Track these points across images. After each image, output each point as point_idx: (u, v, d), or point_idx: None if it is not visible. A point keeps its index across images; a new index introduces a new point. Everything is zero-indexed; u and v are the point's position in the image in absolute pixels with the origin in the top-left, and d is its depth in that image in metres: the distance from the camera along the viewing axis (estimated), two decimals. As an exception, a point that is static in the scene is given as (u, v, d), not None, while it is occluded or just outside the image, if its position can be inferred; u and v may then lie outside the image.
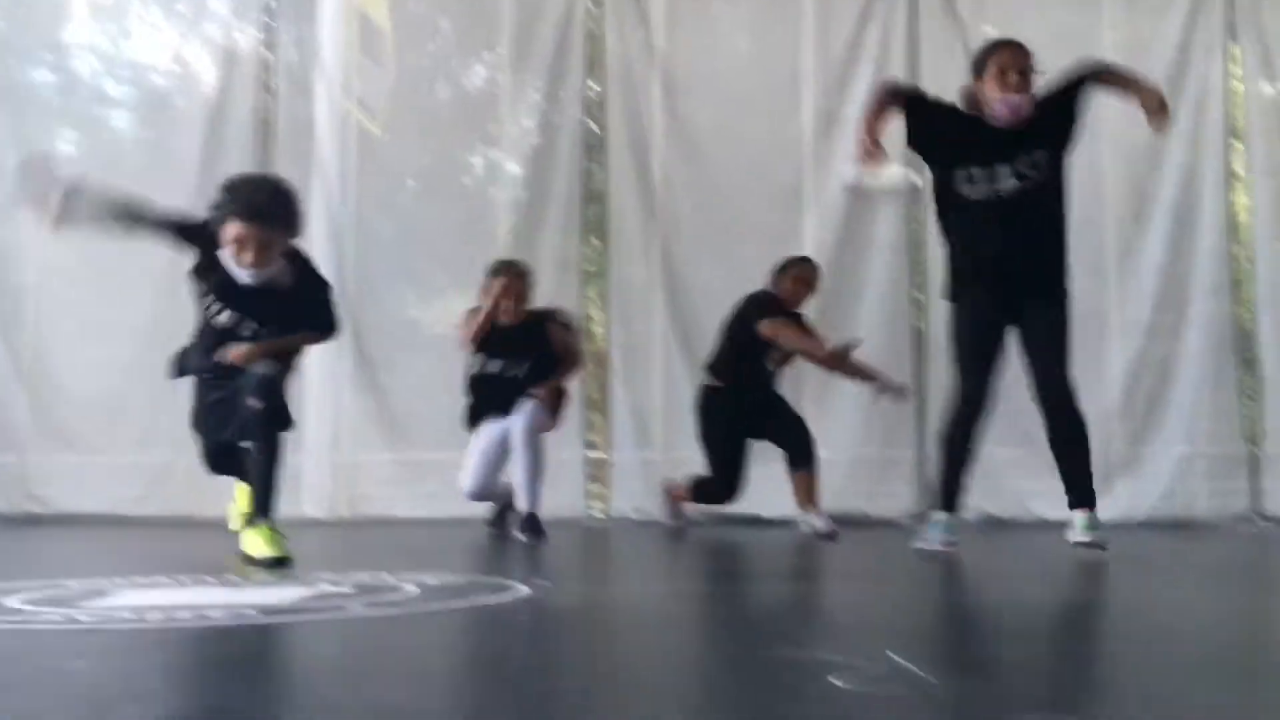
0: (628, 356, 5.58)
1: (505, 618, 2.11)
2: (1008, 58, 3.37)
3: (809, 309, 4.88)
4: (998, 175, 3.36)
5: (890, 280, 5.62)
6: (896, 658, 1.61)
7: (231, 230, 3.13)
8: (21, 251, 5.49)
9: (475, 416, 4.52)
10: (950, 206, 3.47)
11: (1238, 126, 5.71)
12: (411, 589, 2.43)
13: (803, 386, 5.40)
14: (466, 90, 5.98)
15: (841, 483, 5.48)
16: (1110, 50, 5.66)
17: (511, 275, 4.50)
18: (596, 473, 5.59)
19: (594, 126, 5.73)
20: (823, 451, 5.48)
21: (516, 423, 4.35)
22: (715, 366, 4.76)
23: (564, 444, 5.38)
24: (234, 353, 3.27)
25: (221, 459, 3.48)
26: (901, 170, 4.99)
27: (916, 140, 3.50)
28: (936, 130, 3.47)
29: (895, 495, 5.54)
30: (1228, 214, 5.69)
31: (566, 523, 5.24)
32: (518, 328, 4.47)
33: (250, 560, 3.11)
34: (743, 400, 4.68)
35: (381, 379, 5.52)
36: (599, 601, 2.54)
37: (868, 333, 5.54)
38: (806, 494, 4.64)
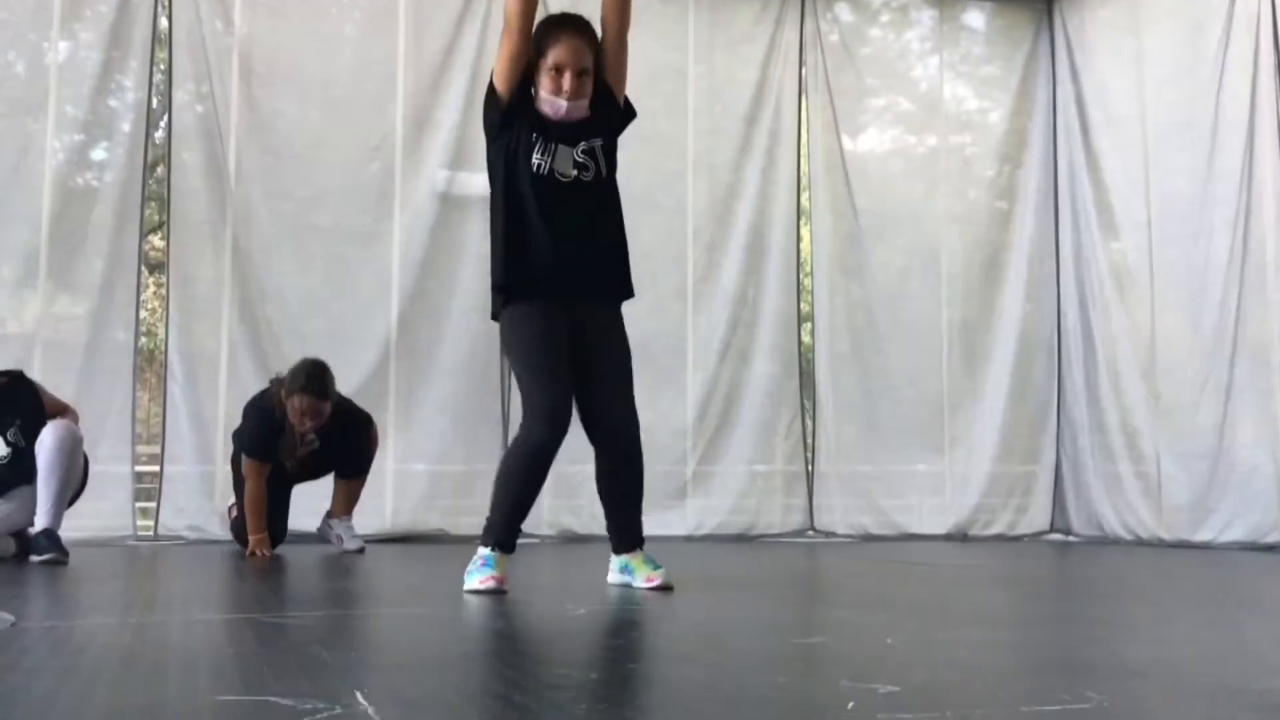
0: (189, 361, 5.08)
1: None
2: (564, 53, 2.97)
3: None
4: (559, 156, 2.99)
5: (482, 290, 5.47)
6: (363, 698, 1.44)
7: None
8: None
9: None
10: (509, 182, 3.01)
11: (804, 170, 6.12)
12: None
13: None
14: (29, 57, 5.17)
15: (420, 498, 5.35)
16: (694, 87, 5.95)
17: None
18: (147, 488, 5.06)
19: (160, 106, 5.24)
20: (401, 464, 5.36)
21: (45, 438, 3.84)
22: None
23: (111, 457, 4.85)
24: None
25: None
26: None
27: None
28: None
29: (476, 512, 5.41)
30: (797, 249, 6.08)
31: (107, 543, 4.71)
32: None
33: None
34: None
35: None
36: (56, 637, 2.18)
37: (456, 341, 5.45)
38: (345, 501, 4.61)
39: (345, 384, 4.76)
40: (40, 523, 3.80)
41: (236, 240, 5.19)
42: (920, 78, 6.52)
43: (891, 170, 6.45)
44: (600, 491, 3.11)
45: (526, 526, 5.18)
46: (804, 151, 6.14)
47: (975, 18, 6.61)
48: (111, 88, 5.17)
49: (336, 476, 4.65)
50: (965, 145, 6.50)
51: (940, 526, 6.05)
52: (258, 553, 4.28)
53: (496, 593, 2.88)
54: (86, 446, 4.06)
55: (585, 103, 3.03)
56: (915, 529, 6.01)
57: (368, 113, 5.48)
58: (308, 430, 4.40)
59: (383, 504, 5.22)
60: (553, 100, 2.99)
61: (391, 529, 5.21)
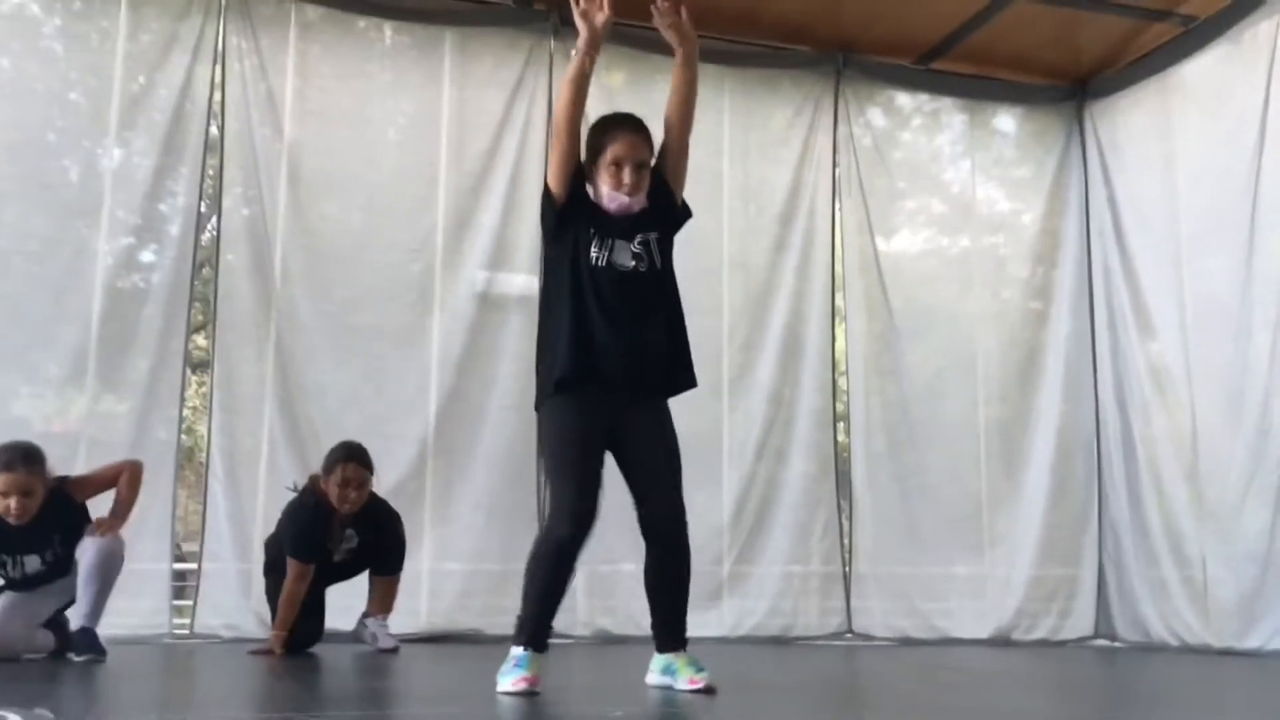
0: (231, 459, 5.14)
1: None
2: (622, 149, 3.08)
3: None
4: (616, 248, 3.08)
5: (518, 389, 5.53)
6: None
7: None
8: None
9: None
10: (572, 277, 3.07)
11: (839, 270, 6.17)
12: None
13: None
14: (84, 164, 5.33)
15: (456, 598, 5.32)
16: (729, 187, 6.05)
17: (20, 473, 3.82)
18: (189, 586, 5.07)
19: (209, 210, 5.39)
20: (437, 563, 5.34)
21: (88, 548, 3.88)
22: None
23: (151, 555, 4.88)
24: None
25: None
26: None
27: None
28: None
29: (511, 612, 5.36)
30: (832, 348, 6.10)
31: (144, 641, 4.71)
32: (35, 520, 3.88)
33: None
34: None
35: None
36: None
37: (493, 439, 5.47)
38: (381, 600, 4.61)
39: (383, 481, 4.79)
40: (79, 622, 3.83)
41: (280, 339, 5.28)
42: (952, 180, 6.60)
43: (925, 271, 6.49)
44: (647, 584, 3.10)
45: (561, 626, 5.18)
46: (838, 252, 6.20)
47: (1006, 121, 6.71)
48: (162, 193, 5.32)
49: (372, 574, 4.65)
50: (998, 246, 6.54)
51: (981, 630, 5.93)
52: (274, 650, 4.26)
53: (529, 694, 2.86)
54: (125, 538, 4.08)
55: (644, 196, 3.11)
56: (955, 633, 5.90)
57: (410, 215, 5.60)
58: (352, 504, 4.41)
59: (417, 603, 5.19)
60: (614, 195, 3.08)
61: (426, 628, 5.18)
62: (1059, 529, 6.14)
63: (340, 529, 4.48)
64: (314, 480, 4.51)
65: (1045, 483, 6.16)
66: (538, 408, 3.14)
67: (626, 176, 3.07)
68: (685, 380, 3.16)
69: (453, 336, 5.52)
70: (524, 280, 5.66)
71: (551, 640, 3.07)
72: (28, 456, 3.84)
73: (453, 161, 5.66)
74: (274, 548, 4.55)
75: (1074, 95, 6.52)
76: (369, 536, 4.54)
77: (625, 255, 3.07)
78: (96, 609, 3.86)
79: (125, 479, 4.09)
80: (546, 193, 3.14)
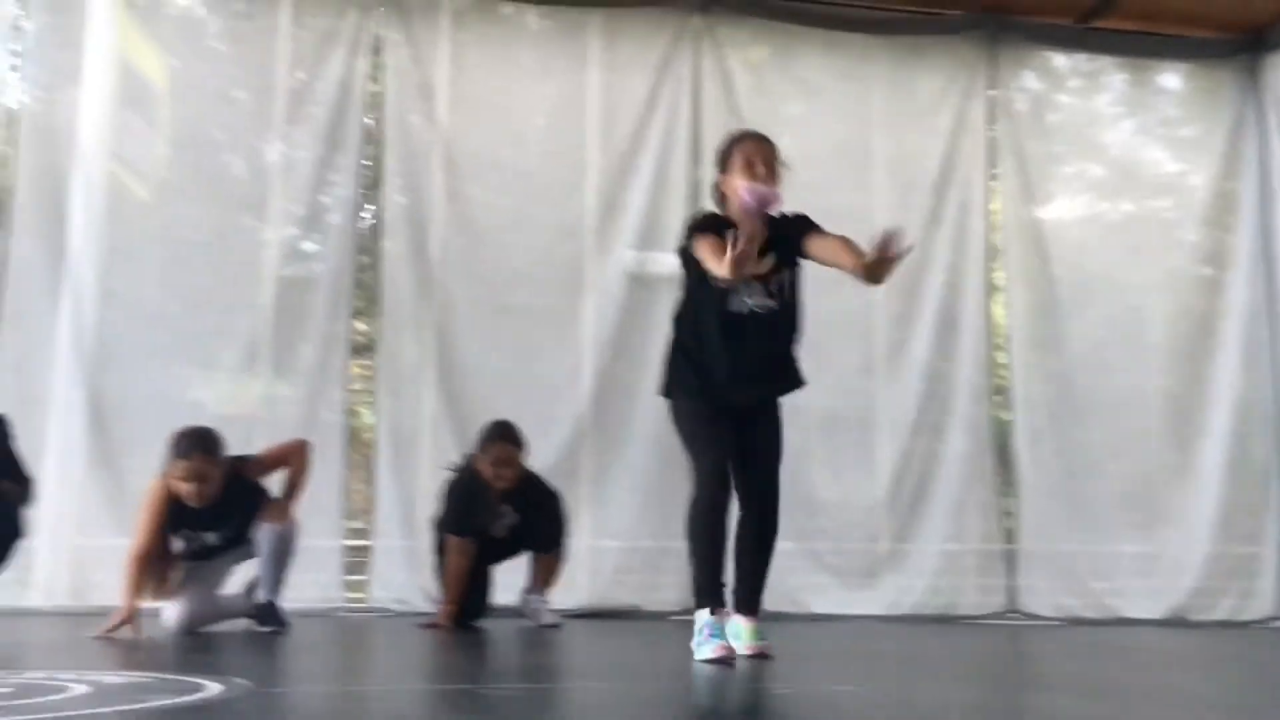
0: (396, 439, 5.31)
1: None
2: (752, 147, 3.22)
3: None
4: (753, 289, 3.19)
5: (669, 370, 5.56)
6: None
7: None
8: None
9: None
10: (700, 308, 3.25)
11: (997, 242, 5.99)
12: (81, 689, 2.12)
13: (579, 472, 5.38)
14: (250, 159, 5.59)
15: (613, 574, 5.40)
16: (880, 159, 5.92)
17: (197, 460, 3.89)
18: (357, 561, 5.27)
19: (368, 199, 5.57)
20: (595, 540, 5.42)
21: (267, 530, 4.06)
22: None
23: (323, 531, 5.08)
24: None
25: None
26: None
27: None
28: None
29: (668, 588, 5.41)
30: (988, 321, 5.93)
31: (319, 614, 4.91)
32: (215, 501, 3.97)
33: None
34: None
35: (121, 460, 5.01)
36: (289, 704, 2.28)
37: (646, 418, 5.51)
38: (542, 577, 4.69)
39: (539, 461, 4.87)
40: (264, 595, 4.03)
41: (439, 322, 5.42)
42: (1112, 142, 6.33)
43: (1086, 237, 6.24)
44: (736, 546, 3.25)
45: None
46: (994, 221, 6.02)
47: (1170, 79, 6.40)
48: (323, 184, 5.52)
49: (534, 553, 4.73)
50: (1164, 210, 6.25)
51: (1155, 610, 5.70)
52: (442, 623, 4.38)
53: (726, 662, 2.98)
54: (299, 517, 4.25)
55: (779, 192, 3.15)
56: (1127, 612, 5.68)
57: (560, 197, 5.68)
58: (506, 481, 4.50)
59: (576, 579, 5.27)
60: (752, 187, 3.09)
61: (586, 604, 5.26)
62: (1237, 505, 5.85)
63: (496, 505, 4.57)
64: (470, 458, 4.61)
65: (1221, 457, 5.88)
66: (662, 394, 3.36)
67: (759, 169, 3.17)
68: (793, 388, 3.34)
69: (604, 317, 5.58)
70: (673, 260, 5.65)
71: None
72: (204, 443, 3.95)
73: (601, 144, 5.72)
74: (439, 526, 4.68)
75: (1248, 48, 6.17)
76: (527, 512, 4.62)
77: (759, 296, 3.19)
78: (277, 584, 4.05)
79: (297, 459, 4.25)
80: (689, 253, 3.17)
